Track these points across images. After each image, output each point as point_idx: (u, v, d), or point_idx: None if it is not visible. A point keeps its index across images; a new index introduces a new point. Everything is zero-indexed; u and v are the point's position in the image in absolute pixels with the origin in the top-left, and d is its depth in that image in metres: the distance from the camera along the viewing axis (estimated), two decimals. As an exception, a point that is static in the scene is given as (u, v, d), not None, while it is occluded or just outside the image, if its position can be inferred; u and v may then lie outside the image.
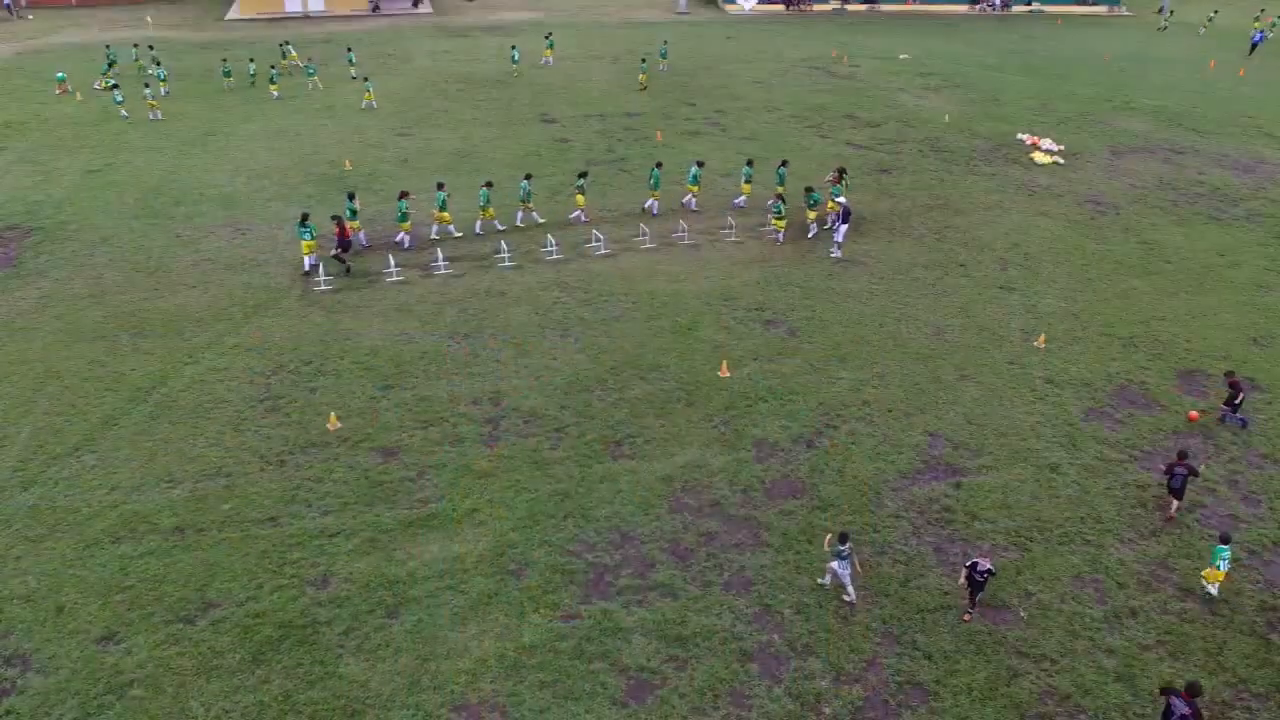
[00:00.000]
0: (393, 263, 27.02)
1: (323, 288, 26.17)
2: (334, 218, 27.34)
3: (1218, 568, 16.17)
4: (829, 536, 16.55)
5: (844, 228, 28.69)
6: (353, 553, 16.76)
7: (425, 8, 69.29)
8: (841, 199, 29.35)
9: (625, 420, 20.57)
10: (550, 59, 52.81)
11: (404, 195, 28.67)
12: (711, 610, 15.90)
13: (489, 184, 29.90)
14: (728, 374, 22.33)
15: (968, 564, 15.66)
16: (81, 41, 56.66)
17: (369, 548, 16.88)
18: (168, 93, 44.24)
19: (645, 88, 47.46)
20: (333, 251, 26.76)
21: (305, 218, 26.84)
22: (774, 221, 29.59)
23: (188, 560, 16.47)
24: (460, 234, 29.47)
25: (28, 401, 20.89)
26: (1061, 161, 38.57)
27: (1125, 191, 35.49)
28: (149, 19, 61.45)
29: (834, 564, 16.10)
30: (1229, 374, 21.66)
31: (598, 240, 28.78)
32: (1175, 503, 18.28)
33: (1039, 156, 38.97)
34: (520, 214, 30.26)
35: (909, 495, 18.68)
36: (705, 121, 42.50)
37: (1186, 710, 12.93)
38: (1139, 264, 29.36)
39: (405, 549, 16.85)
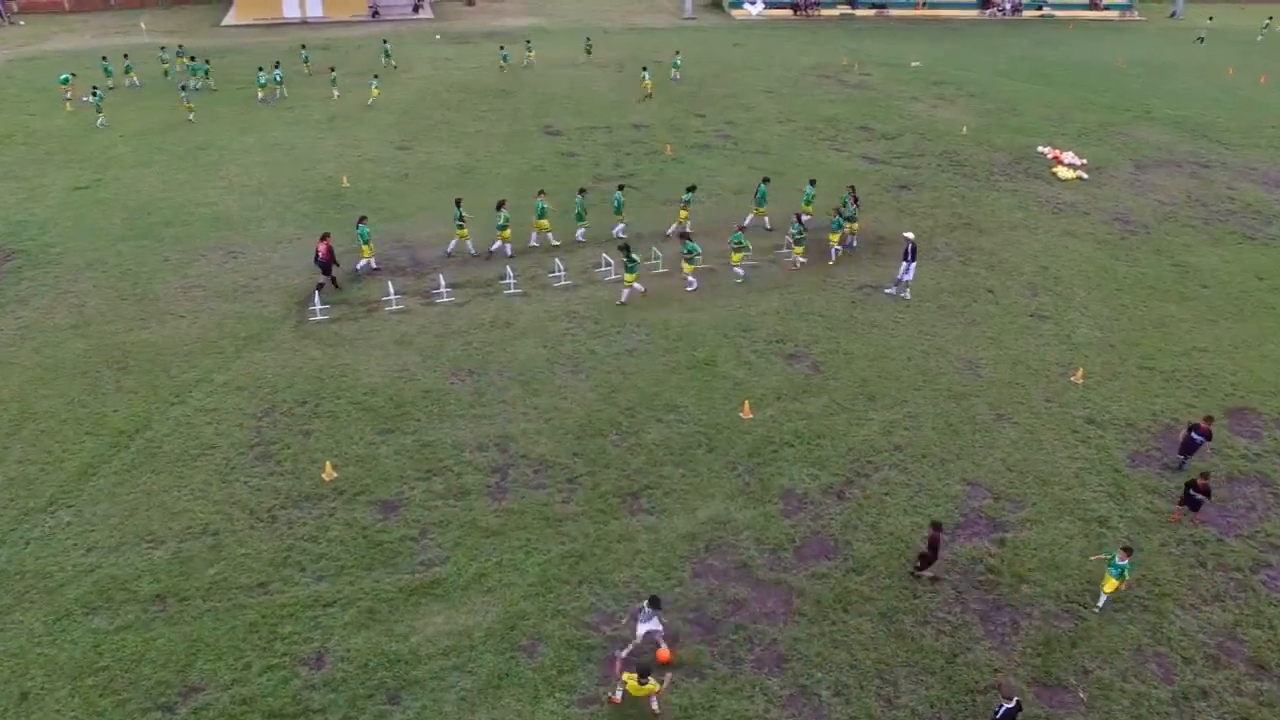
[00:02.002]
0: (392, 290, 25.61)
1: (319, 318, 24.76)
2: (324, 235, 25.97)
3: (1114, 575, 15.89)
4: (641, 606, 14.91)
5: (913, 266, 26.41)
6: (350, 625, 15.37)
7: (425, 13, 67.91)
8: (910, 235, 26.88)
9: (642, 469, 19.18)
10: (533, 60, 52.78)
11: (501, 204, 27.98)
12: (742, 692, 14.51)
13: (541, 192, 29.46)
14: (750, 415, 20.94)
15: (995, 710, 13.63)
16: (74, 48, 55.24)
17: (367, 619, 15.48)
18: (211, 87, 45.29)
19: (650, 95, 46.12)
20: (318, 280, 25.68)
21: (362, 219, 26.96)
22: (793, 249, 28.12)
23: (169, 635, 15.07)
24: (559, 242, 29.05)
25: (0, 448, 19.49)
26: (1085, 176, 37.21)
27: (1153, 209, 34.12)
28: (143, 25, 60.01)
29: (643, 626, 14.52)
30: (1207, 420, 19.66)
31: (607, 265, 27.37)
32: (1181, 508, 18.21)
33: (1062, 171, 37.60)
34: (581, 231, 29.48)
35: (950, 554, 17.28)
36: (715, 134, 41.11)
37: None
38: (1174, 288, 27.99)
39: (407, 621, 15.46)
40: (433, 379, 22.03)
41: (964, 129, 42.78)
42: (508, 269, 26.76)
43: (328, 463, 18.92)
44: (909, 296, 26.29)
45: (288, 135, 39.50)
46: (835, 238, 28.66)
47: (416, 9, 67.59)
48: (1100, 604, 16.05)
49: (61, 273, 27.07)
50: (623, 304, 25.11)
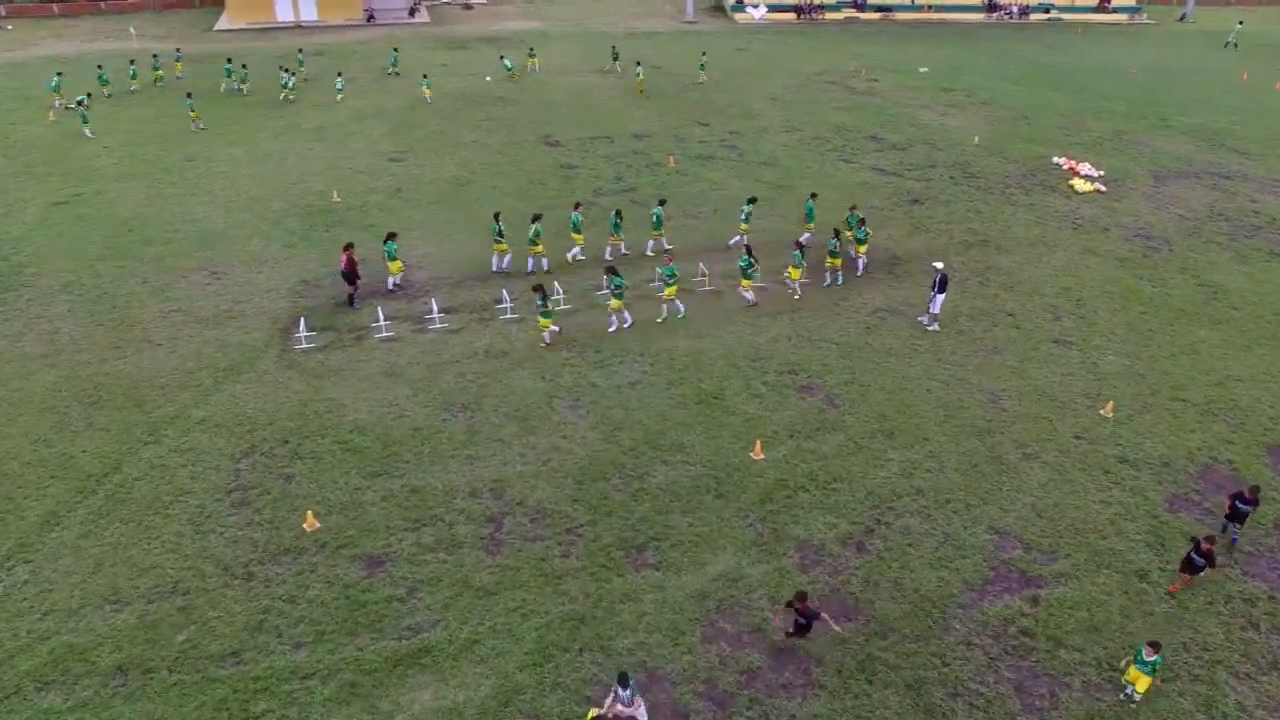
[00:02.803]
0: (382, 316, 24.29)
1: (304, 345, 23.44)
2: (347, 246, 25.09)
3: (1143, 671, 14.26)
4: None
5: (940, 298, 24.84)
6: (330, 702, 14.04)
7: (422, 17, 66.56)
8: (939, 266, 25.18)
9: (647, 517, 17.85)
10: (536, 67, 51.89)
11: (537, 218, 26.95)
12: (759, 779, 13.21)
13: (577, 205, 28.14)
14: (762, 456, 19.62)
15: None
16: (61, 54, 53.91)
17: (349, 695, 14.16)
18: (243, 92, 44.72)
19: (643, 91, 45.74)
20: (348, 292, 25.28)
21: (392, 236, 25.74)
22: (790, 271, 26.36)
23: (129, 715, 13.74)
24: (584, 257, 28.15)
25: (-41, 494, 18.19)
26: (1103, 189, 35.91)
27: (1175, 224, 32.83)
28: (132, 30, 58.67)
29: (625, 710, 13.23)
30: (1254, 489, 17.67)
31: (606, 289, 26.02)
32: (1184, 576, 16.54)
33: (1079, 184, 36.29)
34: (610, 248, 28.36)
35: (980, 615, 15.99)
36: (720, 144, 39.80)
37: None
38: (1202, 311, 26.69)
39: (392, 696, 14.13)
40: (424, 415, 20.71)
41: (975, 138, 41.49)
42: (503, 293, 25.44)
43: (309, 512, 17.59)
44: (936, 329, 24.91)
45: (278, 146, 38.19)
46: (836, 262, 26.99)
47: (413, 13, 66.28)
48: (1137, 700, 14.47)
49: (34, 296, 25.74)
50: (546, 344, 23.48)
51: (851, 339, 24.38)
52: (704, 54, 52.21)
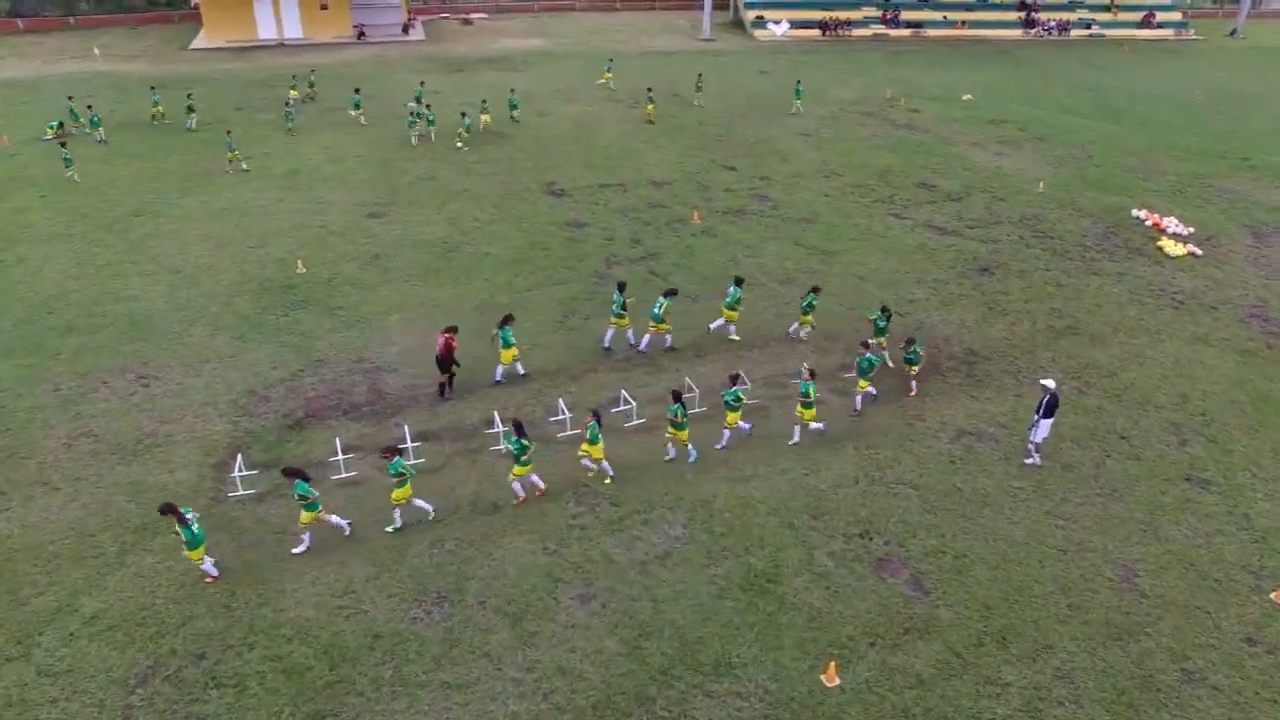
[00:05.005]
0: (340, 448, 19.25)
1: (240, 491, 18.41)
2: (449, 329, 20.98)
3: None
4: None
5: (1046, 423, 19.44)
6: None
7: (416, 33, 61.53)
8: (1050, 385, 19.43)
9: (688, 800, 12.80)
10: (609, 82, 48.78)
11: (620, 286, 23.24)
12: None
13: (671, 292, 23.21)
14: (836, 681, 14.55)
15: None
16: (19, 76, 49.07)
17: None
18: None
19: (652, 121, 40.91)
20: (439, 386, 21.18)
21: (508, 319, 21.39)
22: (860, 383, 21.35)
23: None
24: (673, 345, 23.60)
25: None
26: (1198, 252, 30.84)
27: (1295, 301, 27.75)
28: (96, 50, 53.79)
29: None
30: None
31: (627, 404, 21.01)
32: None
33: (1169, 245, 31.17)
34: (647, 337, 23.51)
35: None
36: (750, 193, 34.77)
37: None
38: (1359, 426, 21.60)
39: None
40: (387, 611, 15.65)
41: (1040, 184, 36.45)
42: (495, 415, 20.36)
43: (216, 792, 12.57)
44: (1039, 461, 19.83)
45: (240, 196, 33.20)
46: (865, 384, 21.16)
47: (406, 29, 61.27)
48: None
49: (-89, 411, 20.79)
50: (611, 479, 18.59)
51: (933, 480, 19.28)
52: (700, 75, 47.67)
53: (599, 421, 18.06)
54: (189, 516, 15.61)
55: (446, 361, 21.04)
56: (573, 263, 28.23)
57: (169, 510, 15.60)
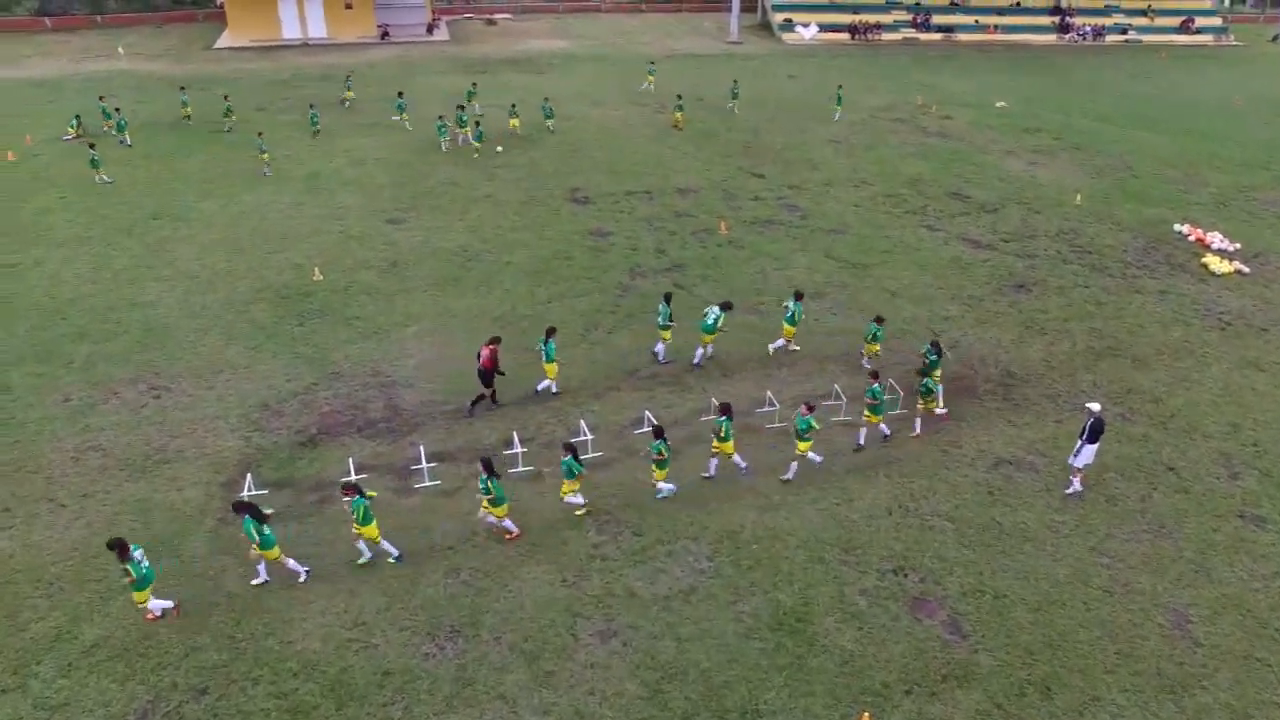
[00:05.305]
0: (353, 468, 18.60)
1: (250, 512, 17.76)
2: (494, 340, 20.44)
3: None
4: None
5: (1090, 449, 18.47)
6: None
7: (440, 33, 61.06)
8: (1095, 409, 18.54)
9: None
10: (651, 85, 48.40)
11: (667, 298, 22.72)
12: None
13: (727, 305, 22.86)
14: (871, 733, 13.74)
15: None
16: (45, 75, 48.96)
17: None
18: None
19: (680, 128, 40.05)
20: (471, 400, 20.65)
21: (552, 332, 20.87)
22: (924, 403, 20.76)
23: None
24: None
25: None
26: (1245, 270, 29.68)
27: (1347, 322, 26.56)
28: (120, 49, 53.64)
29: None
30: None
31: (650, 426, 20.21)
32: None
33: (1214, 262, 30.03)
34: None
35: None
36: (778, 202, 33.91)
37: None
38: None
39: None
40: (398, 645, 14.96)
41: (1077, 196, 35.35)
42: (514, 436, 19.63)
43: (213, 843, 11.91)
44: (1080, 488, 18.90)
45: (259, 199, 32.73)
46: (876, 419, 19.94)
47: (431, 30, 60.80)
48: None
49: (-81, 421, 20.34)
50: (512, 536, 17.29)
51: (970, 513, 18.37)
52: (735, 81, 46.67)
53: (575, 456, 17.17)
54: (137, 554, 14.83)
55: (490, 375, 20.40)
56: (596, 273, 27.50)
57: (116, 546, 14.75)
